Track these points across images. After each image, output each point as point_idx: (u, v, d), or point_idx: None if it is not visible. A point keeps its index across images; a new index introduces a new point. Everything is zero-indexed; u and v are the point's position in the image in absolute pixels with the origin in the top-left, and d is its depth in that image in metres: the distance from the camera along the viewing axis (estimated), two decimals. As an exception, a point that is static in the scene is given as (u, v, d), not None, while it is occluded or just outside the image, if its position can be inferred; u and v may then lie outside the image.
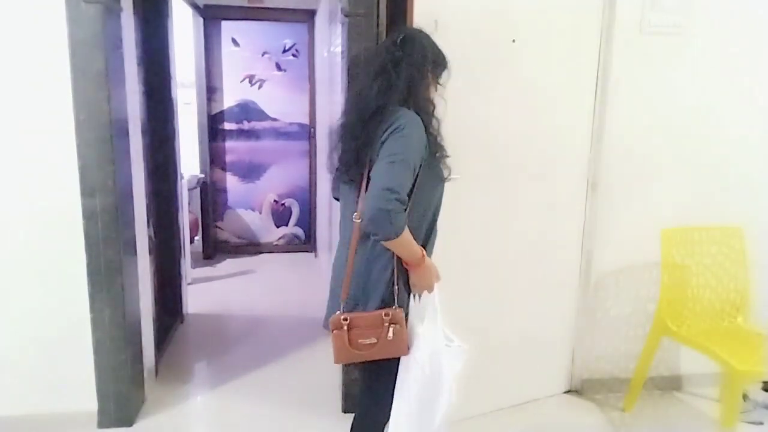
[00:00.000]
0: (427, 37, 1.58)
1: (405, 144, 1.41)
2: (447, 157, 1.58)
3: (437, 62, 1.57)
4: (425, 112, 1.52)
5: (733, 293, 2.55)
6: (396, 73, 1.49)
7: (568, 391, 2.75)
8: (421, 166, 1.46)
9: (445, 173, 1.58)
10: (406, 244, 1.42)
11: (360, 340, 1.47)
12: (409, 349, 1.50)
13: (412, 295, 1.55)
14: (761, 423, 2.51)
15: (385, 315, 1.46)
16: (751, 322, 2.52)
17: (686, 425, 2.50)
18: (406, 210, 1.40)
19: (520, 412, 2.59)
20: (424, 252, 1.51)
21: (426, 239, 1.58)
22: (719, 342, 2.32)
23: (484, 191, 2.47)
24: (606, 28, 2.43)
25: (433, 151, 1.52)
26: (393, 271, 1.49)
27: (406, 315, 1.52)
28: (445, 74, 1.61)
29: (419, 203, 1.50)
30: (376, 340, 1.47)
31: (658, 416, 2.57)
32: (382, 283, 1.49)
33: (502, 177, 2.47)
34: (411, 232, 1.45)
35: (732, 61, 2.54)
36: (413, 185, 1.45)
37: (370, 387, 1.68)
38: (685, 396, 2.77)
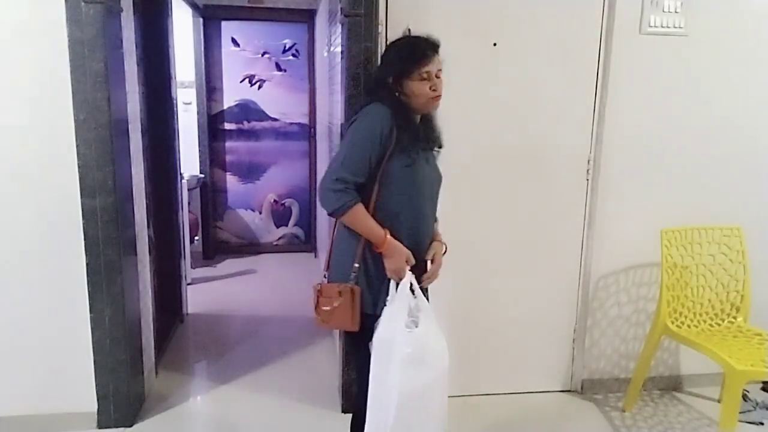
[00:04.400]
0: (391, 47, 1.73)
1: (356, 132, 1.59)
2: (421, 143, 1.66)
3: (413, 58, 1.63)
4: (400, 105, 1.62)
5: (733, 293, 2.55)
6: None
7: (567, 391, 2.75)
8: (390, 153, 1.57)
9: (421, 159, 1.64)
10: (360, 222, 1.58)
11: (323, 307, 1.66)
12: (356, 326, 1.62)
13: (391, 281, 1.62)
14: (761, 423, 2.51)
15: (338, 287, 1.62)
16: (750, 322, 2.52)
17: (686, 425, 2.49)
18: (357, 190, 1.56)
19: (518, 402, 2.63)
20: (387, 233, 1.58)
21: (413, 224, 1.64)
22: (719, 342, 2.32)
23: (486, 191, 2.49)
24: (606, 28, 2.43)
25: (405, 136, 1.60)
26: (355, 250, 1.62)
27: (374, 297, 1.63)
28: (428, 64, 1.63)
29: (392, 187, 1.60)
30: (329, 309, 1.63)
31: (658, 416, 2.57)
32: (343, 260, 1.66)
33: (503, 177, 2.48)
34: (388, 214, 1.59)
35: (731, 60, 2.54)
36: (379, 170, 1.57)
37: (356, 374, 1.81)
38: (685, 396, 2.77)
